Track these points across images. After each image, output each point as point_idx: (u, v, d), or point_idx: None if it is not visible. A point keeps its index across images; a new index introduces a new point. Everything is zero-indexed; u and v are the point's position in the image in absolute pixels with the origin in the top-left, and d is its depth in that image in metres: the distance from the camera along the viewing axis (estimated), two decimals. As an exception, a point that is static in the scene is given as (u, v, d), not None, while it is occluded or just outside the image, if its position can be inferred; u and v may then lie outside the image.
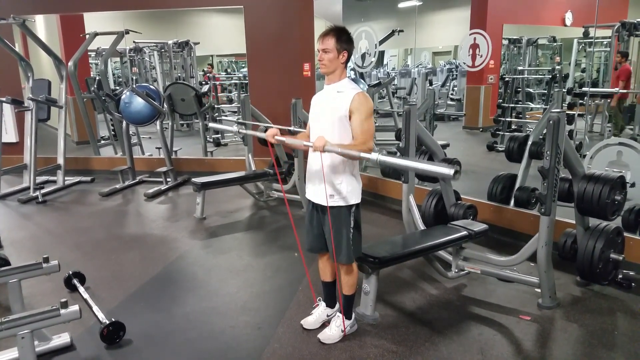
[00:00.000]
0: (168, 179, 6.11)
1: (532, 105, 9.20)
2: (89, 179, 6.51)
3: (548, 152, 2.95)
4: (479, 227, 3.48)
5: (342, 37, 2.48)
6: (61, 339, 2.62)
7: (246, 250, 4.21)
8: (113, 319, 2.74)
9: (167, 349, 2.71)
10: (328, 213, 2.54)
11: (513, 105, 8.69)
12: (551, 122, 2.92)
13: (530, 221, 4.19)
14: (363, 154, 2.31)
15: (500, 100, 8.91)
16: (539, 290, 3.17)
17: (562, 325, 2.93)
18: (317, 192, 2.60)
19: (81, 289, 3.21)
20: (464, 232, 3.37)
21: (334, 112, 2.48)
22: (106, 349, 2.69)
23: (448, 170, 2.03)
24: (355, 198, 2.57)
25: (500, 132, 8.52)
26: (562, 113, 2.95)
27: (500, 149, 8.26)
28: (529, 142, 4.79)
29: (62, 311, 2.06)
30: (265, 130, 2.70)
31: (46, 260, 2.63)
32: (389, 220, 4.77)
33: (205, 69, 10.48)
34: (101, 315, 2.81)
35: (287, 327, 2.90)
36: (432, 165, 2.19)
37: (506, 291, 3.32)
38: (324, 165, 2.50)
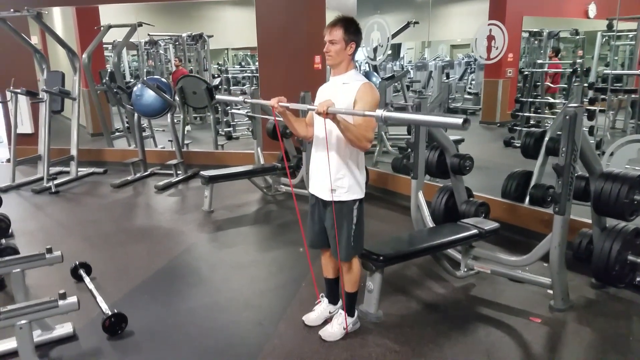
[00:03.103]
0: (178, 172, 6.11)
1: (552, 100, 8.95)
2: (101, 170, 6.56)
3: (564, 149, 2.83)
4: (489, 225, 3.39)
5: (350, 28, 2.41)
6: (64, 328, 2.63)
7: (252, 245, 4.18)
8: (115, 311, 2.73)
9: (168, 343, 2.69)
10: (333, 208, 2.47)
11: (532, 99, 8.46)
12: (567, 117, 2.80)
13: (545, 220, 4.07)
14: (368, 113, 2.20)
15: (519, 95, 8.70)
16: (550, 291, 3.07)
17: (574, 328, 2.82)
18: (319, 186, 2.54)
19: (87, 280, 3.22)
20: (474, 231, 3.28)
21: (339, 104, 2.40)
22: (108, 340, 2.68)
23: (456, 120, 1.89)
24: (359, 193, 2.50)
25: (517, 128, 8.32)
26: (579, 108, 2.83)
27: (517, 144, 8.07)
28: (546, 138, 4.65)
29: (61, 302, 2.06)
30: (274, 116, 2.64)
31: (49, 250, 2.63)
32: (398, 217, 4.68)
33: (174, 62, 10.32)
34: (104, 306, 2.80)
35: (288, 323, 2.85)
36: (438, 117, 2.10)
37: (516, 292, 3.23)
38: (325, 156, 2.43)
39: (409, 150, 6.00)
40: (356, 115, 2.29)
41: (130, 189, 5.92)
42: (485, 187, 4.63)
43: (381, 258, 2.79)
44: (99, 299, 2.89)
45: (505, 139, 8.15)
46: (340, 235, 2.51)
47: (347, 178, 2.46)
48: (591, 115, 6.07)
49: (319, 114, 2.27)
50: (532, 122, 8.66)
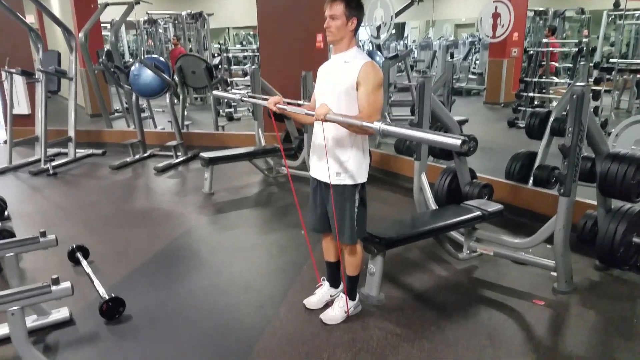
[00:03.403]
0: (178, 153, 6.05)
1: (557, 80, 8.81)
2: (100, 151, 6.49)
3: (570, 129, 2.76)
4: (493, 207, 3.34)
5: (352, 3, 2.31)
6: (60, 313, 2.60)
7: (252, 228, 4.13)
8: (113, 295, 2.69)
9: (167, 327, 2.67)
10: (331, 192, 2.41)
11: (537, 79, 8.32)
12: (574, 96, 2.72)
13: (549, 202, 4.01)
14: (365, 124, 2.15)
15: (524, 75, 8.56)
16: (554, 273, 3.02)
17: (577, 311, 2.79)
18: (320, 169, 2.47)
19: (84, 263, 3.18)
20: (477, 213, 3.23)
21: (340, 84, 2.33)
22: (105, 324, 2.65)
23: (454, 141, 1.84)
24: (362, 176, 2.44)
25: (522, 108, 8.21)
26: (586, 87, 2.74)
27: (521, 125, 7.99)
28: (551, 119, 4.58)
29: (54, 288, 2.01)
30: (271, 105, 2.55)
31: (43, 234, 2.58)
32: (401, 199, 4.63)
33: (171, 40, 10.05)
34: (102, 290, 2.77)
35: (289, 306, 2.82)
36: (437, 135, 2.00)
37: (519, 274, 3.19)
38: (328, 139, 2.37)
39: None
40: (354, 124, 2.21)
41: (129, 171, 5.86)
42: (488, 168, 4.57)
43: (383, 241, 2.74)
44: (96, 282, 2.85)
45: (510, 120, 8.07)
46: (343, 219, 2.45)
47: (350, 161, 2.40)
48: (596, 95, 5.95)
49: (317, 120, 2.23)
50: (536, 102, 8.54)
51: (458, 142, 1.83)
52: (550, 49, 8.49)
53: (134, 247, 3.68)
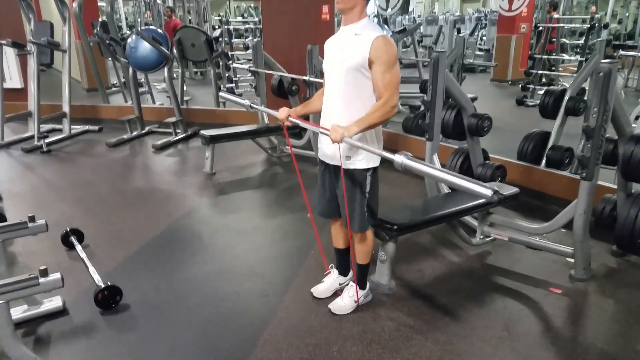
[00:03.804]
0: (177, 131, 5.85)
1: (566, 57, 8.56)
2: (96, 128, 6.29)
3: (595, 109, 2.58)
4: (508, 190, 3.18)
5: None
6: (53, 303, 2.45)
7: (256, 210, 3.97)
8: (109, 283, 2.55)
9: (166, 316, 2.53)
10: (342, 176, 2.25)
11: (546, 57, 8.07)
12: (601, 74, 2.54)
13: (563, 183, 3.88)
14: (386, 154, 2.02)
15: (533, 52, 8.30)
16: (570, 259, 2.91)
17: (596, 300, 2.67)
18: (330, 152, 2.30)
19: (79, 248, 3.03)
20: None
21: (350, 59, 2.13)
22: (101, 314, 2.51)
23: (485, 191, 1.70)
24: (374, 161, 2.27)
25: (531, 86, 7.99)
26: (613, 64, 2.55)
27: (530, 103, 7.81)
28: (566, 97, 4.39)
29: (42, 280, 1.85)
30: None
31: (32, 219, 2.41)
32: (409, 181, 4.46)
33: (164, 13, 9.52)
34: (97, 278, 2.63)
35: (295, 295, 2.68)
36: (465, 181, 1.79)
37: (534, 260, 3.06)
38: (339, 120, 2.20)
39: (420, 109, 5.76)
40: (373, 152, 2.09)
41: (126, 148, 5.68)
42: (497, 148, 4.38)
43: (395, 227, 2.58)
44: (91, 269, 2.71)
45: (518, 98, 7.87)
46: (353, 205, 2.29)
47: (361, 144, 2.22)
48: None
49: (333, 142, 2.10)
50: (543, 80, 8.31)
51: (489, 192, 1.70)
52: (552, 25, 8.24)
53: (131, 230, 3.53)
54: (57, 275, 1.87)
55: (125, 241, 3.34)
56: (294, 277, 2.88)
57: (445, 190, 3.43)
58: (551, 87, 4.73)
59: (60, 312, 2.50)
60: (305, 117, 2.57)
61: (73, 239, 3.13)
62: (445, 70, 3.34)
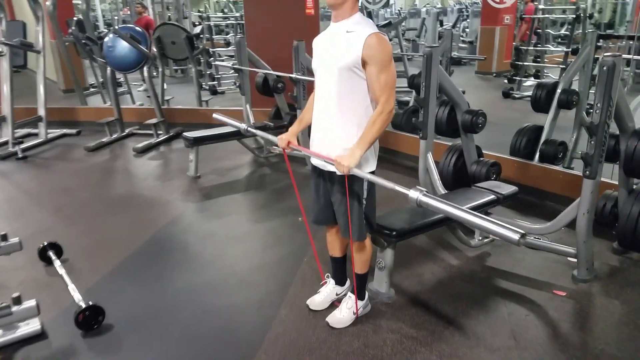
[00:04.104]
0: (159, 132, 5.64)
1: (552, 48, 8.53)
2: (74, 131, 6.03)
3: (598, 105, 2.48)
4: (507, 189, 3.10)
5: None
6: (29, 326, 2.24)
7: (244, 215, 3.81)
8: (90, 303, 2.37)
9: (153, 335, 2.37)
10: (347, 189, 2.11)
11: (532, 48, 8.02)
12: (604, 67, 2.43)
13: (559, 179, 3.80)
14: (399, 189, 1.88)
15: (518, 43, 8.25)
16: (572, 259, 2.83)
17: (602, 302, 2.58)
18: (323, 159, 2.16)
19: (57, 263, 2.83)
20: (492, 197, 2.98)
21: (342, 58, 1.98)
22: (82, 336, 2.33)
23: (512, 235, 1.56)
24: (370, 165, 2.13)
25: (517, 78, 7.94)
26: (618, 57, 2.45)
27: (516, 96, 7.76)
28: (558, 90, 4.31)
29: (15, 309, 1.69)
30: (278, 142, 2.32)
31: (4, 237, 2.22)
32: (401, 179, 4.34)
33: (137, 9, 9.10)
34: (77, 296, 2.44)
35: (291, 307, 2.54)
36: (491, 224, 1.63)
37: (535, 260, 2.97)
38: (332, 122, 2.07)
39: (410, 105, 5.64)
40: (384, 185, 1.95)
41: (106, 152, 5.46)
42: (488, 143, 4.27)
43: (394, 233, 2.46)
44: (71, 287, 2.52)
45: (504, 90, 7.82)
46: (351, 213, 2.15)
47: (357, 147, 2.08)
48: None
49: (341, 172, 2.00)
50: (527, 72, 8.26)
51: (516, 236, 1.56)
52: (528, 15, 8.20)
53: (113, 240, 3.34)
54: (32, 303, 1.71)
55: (107, 253, 3.16)
56: (288, 286, 2.74)
57: (442, 190, 3.32)
58: (543, 81, 4.67)
59: (39, 336, 2.30)
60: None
61: (51, 253, 2.94)
62: (439, 65, 3.22)
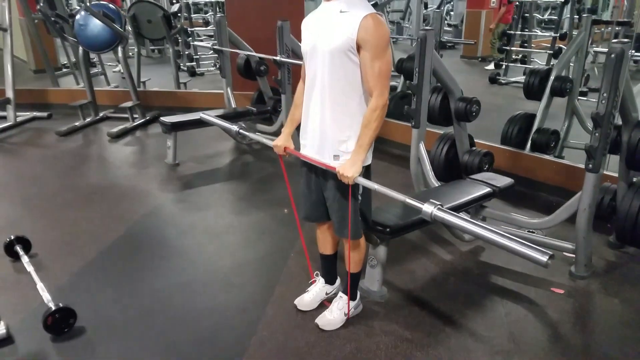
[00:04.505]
0: (135, 116, 5.37)
1: (540, 33, 8.44)
2: (45, 114, 5.70)
3: (604, 94, 2.35)
4: (503, 182, 2.97)
5: None
6: (-6, 330, 2.05)
7: (227, 206, 3.61)
8: (60, 304, 2.17)
9: (128, 340, 2.18)
10: (350, 192, 1.95)
11: (520, 32, 7.90)
12: (612, 55, 2.30)
13: (552, 169, 3.72)
14: (411, 201, 1.76)
15: (506, 27, 8.12)
16: (568, 254, 2.73)
17: (601, 300, 2.50)
18: (315, 150, 1.98)
19: (25, 259, 2.62)
20: (487, 190, 2.85)
21: (334, 42, 1.80)
22: (52, 341, 2.14)
23: (540, 257, 1.45)
24: (367, 158, 1.96)
25: (503, 63, 7.83)
26: (626, 44, 2.32)
27: (503, 81, 7.66)
28: (552, 77, 4.20)
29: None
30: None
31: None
32: (390, 169, 4.19)
33: None
34: (47, 297, 2.25)
35: (277, 308, 2.38)
36: (518, 245, 1.49)
37: (531, 256, 2.85)
38: (324, 116, 1.90)
39: (397, 91, 5.46)
40: (396, 197, 1.81)
41: (79, 137, 5.18)
42: (477, 130, 4.14)
43: (388, 230, 2.31)
44: (40, 285, 2.32)
45: (491, 76, 7.71)
46: (344, 211, 1.99)
47: (352, 140, 1.91)
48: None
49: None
50: (514, 56, 8.15)
51: (544, 258, 1.44)
52: None
53: (86, 234, 3.12)
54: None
55: (79, 248, 2.94)
56: (274, 284, 2.57)
57: (435, 183, 3.17)
58: (536, 67, 4.54)
59: (4, 340, 2.11)
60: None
61: (18, 248, 2.71)
62: (433, 50, 3.04)
